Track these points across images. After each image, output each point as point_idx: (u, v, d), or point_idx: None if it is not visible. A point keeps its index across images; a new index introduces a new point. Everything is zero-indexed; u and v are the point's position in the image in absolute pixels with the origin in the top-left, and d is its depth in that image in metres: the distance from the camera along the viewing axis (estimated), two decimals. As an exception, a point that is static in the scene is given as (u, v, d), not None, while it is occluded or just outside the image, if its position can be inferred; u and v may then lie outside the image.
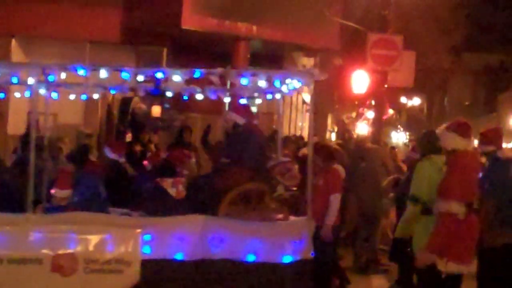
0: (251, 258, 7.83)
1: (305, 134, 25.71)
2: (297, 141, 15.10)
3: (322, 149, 10.58)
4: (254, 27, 17.42)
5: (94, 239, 7.64)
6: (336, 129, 36.83)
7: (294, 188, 9.49)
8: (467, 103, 63.21)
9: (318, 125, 26.42)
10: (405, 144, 32.08)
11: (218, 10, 16.81)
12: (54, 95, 9.67)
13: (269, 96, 10.22)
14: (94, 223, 7.80)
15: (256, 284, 7.83)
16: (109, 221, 7.98)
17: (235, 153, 8.91)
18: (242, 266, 7.80)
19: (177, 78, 8.18)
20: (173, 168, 9.59)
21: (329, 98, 28.52)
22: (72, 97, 9.86)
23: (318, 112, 26.69)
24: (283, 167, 9.40)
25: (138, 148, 14.05)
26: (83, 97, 10.02)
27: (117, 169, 10.60)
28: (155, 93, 9.81)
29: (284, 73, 8.59)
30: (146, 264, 7.66)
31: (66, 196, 8.61)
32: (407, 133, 51.04)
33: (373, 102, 27.85)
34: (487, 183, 8.53)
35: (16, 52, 16.67)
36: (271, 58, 19.13)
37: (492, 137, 8.92)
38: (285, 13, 17.85)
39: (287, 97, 25.24)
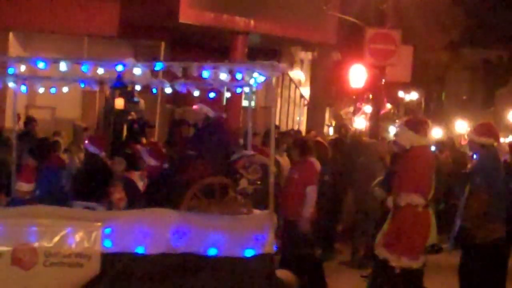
0: (213, 252, 7.84)
1: (303, 128, 25.71)
2: (295, 136, 15.08)
3: (298, 143, 10.58)
4: (252, 21, 17.40)
5: (54, 232, 7.65)
6: (334, 123, 36.82)
7: (258, 182, 9.47)
8: (464, 97, 63.26)
9: (315, 120, 26.38)
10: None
11: (216, 4, 16.79)
12: (23, 88, 9.47)
13: (238, 90, 10.18)
14: (55, 216, 7.81)
15: (218, 278, 7.84)
16: (70, 214, 7.98)
17: (202, 146, 8.96)
18: (204, 260, 7.81)
19: (137, 71, 8.20)
20: (136, 161, 9.60)
21: (327, 92, 28.48)
22: (41, 90, 9.78)
23: (316, 107, 26.68)
24: (246, 161, 9.41)
25: (144, 141, 14.09)
26: (53, 90, 9.92)
27: (96, 163, 10.60)
28: (117, 86, 9.73)
29: (246, 66, 8.57)
30: (107, 257, 7.67)
31: (29, 190, 8.66)
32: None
33: (370, 97, 27.87)
34: (479, 177, 8.52)
35: (14, 47, 16.66)
36: (269, 53, 19.13)
37: (493, 130, 8.93)
38: (283, 8, 17.83)
39: (285, 91, 25.25)
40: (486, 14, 46.14)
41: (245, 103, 18.61)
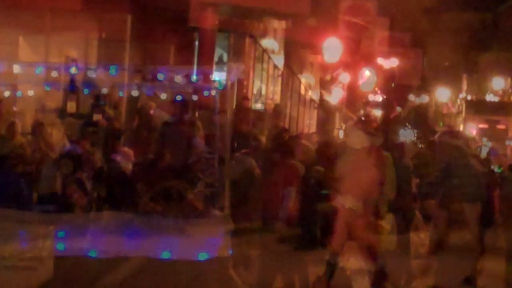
0: (166, 255, 7.88)
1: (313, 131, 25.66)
2: (308, 138, 15.08)
3: (280, 146, 10.56)
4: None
5: (7, 235, 7.66)
6: (344, 127, 36.83)
7: (217, 185, 9.47)
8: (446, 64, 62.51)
9: (325, 123, 26.35)
10: (413, 141, 32.22)
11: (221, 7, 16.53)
12: None
13: (205, 93, 10.16)
14: (8, 219, 7.80)
15: (171, 281, 7.86)
16: (24, 217, 7.99)
17: (161, 149, 8.96)
18: (157, 263, 7.85)
19: (91, 74, 8.21)
20: (79, 161, 9.68)
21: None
22: (7, 94, 9.76)
23: (327, 110, 26.65)
24: (203, 164, 9.43)
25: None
26: (18, 93, 9.90)
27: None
28: (72, 90, 9.66)
29: (202, 70, 8.59)
30: (60, 260, 7.71)
31: None
32: (415, 131, 50.94)
33: (380, 99, 27.83)
34: (455, 178, 8.62)
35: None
36: (240, 24, 18.37)
37: (464, 134, 9.20)
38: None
39: (295, 95, 25.10)
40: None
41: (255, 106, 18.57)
